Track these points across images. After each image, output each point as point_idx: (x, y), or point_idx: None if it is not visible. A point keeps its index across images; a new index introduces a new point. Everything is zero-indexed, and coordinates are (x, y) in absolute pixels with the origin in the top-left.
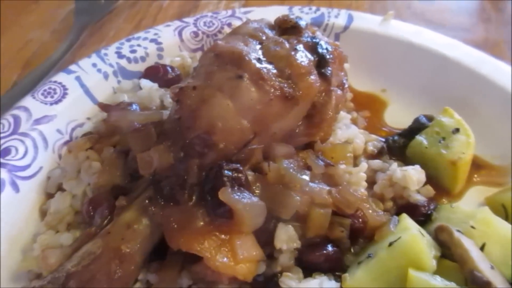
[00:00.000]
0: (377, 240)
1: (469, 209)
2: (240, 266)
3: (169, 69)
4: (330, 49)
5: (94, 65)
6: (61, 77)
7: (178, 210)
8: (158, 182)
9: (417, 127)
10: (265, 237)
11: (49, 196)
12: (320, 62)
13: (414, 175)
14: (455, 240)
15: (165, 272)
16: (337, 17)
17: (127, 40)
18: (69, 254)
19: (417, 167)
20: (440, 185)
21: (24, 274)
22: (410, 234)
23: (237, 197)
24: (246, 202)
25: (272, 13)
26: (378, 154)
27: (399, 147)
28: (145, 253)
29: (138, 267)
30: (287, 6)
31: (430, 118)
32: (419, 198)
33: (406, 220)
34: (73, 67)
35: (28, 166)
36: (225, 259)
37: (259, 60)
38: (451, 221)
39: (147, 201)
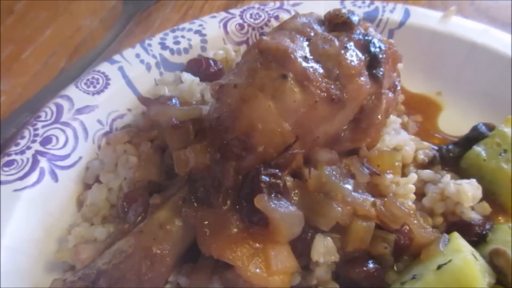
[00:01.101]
0: (423, 260)
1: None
2: (274, 278)
3: (212, 63)
4: (383, 47)
5: (137, 55)
6: (104, 67)
7: (211, 214)
8: (193, 182)
9: (475, 137)
10: (301, 248)
11: (87, 186)
12: (372, 62)
13: (470, 190)
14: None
15: (196, 275)
16: (392, 12)
17: (171, 31)
18: (101, 250)
19: (473, 181)
20: (498, 202)
21: (59, 264)
22: (463, 257)
23: (274, 205)
24: (283, 212)
25: (323, 6)
26: (430, 164)
27: (454, 157)
28: (177, 255)
29: (169, 269)
30: (339, 0)
31: (490, 127)
32: (474, 216)
33: (458, 240)
34: (116, 57)
35: (67, 155)
36: (258, 269)
37: (305, 58)
38: (508, 244)
39: (181, 202)
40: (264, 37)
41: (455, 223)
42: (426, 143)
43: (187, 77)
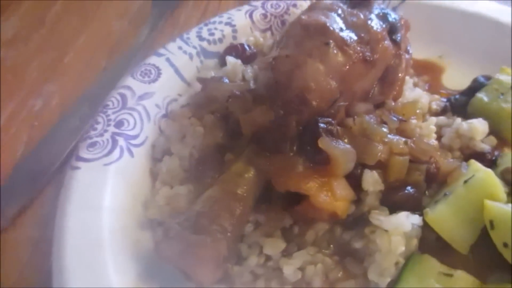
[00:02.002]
0: (449, 183)
1: None
2: (338, 203)
3: (247, 47)
4: (397, 18)
5: (179, 47)
6: (153, 59)
7: (282, 159)
8: (260, 137)
9: (476, 86)
10: (353, 182)
11: (157, 161)
12: (391, 29)
13: (479, 126)
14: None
15: (271, 213)
16: None
17: (204, 25)
18: (192, 199)
19: (481, 119)
20: (501, 137)
21: (148, 222)
22: (483, 171)
23: (334, 144)
24: (341, 148)
25: None
26: (442, 112)
27: (461, 105)
28: (255, 196)
29: (250, 207)
30: None
31: (488, 78)
32: (485, 147)
33: (476, 163)
34: (162, 50)
35: (137, 135)
36: (326, 197)
37: (341, 29)
38: None
39: (252, 154)
40: (303, 16)
41: (470, 155)
42: (436, 96)
43: (230, 60)
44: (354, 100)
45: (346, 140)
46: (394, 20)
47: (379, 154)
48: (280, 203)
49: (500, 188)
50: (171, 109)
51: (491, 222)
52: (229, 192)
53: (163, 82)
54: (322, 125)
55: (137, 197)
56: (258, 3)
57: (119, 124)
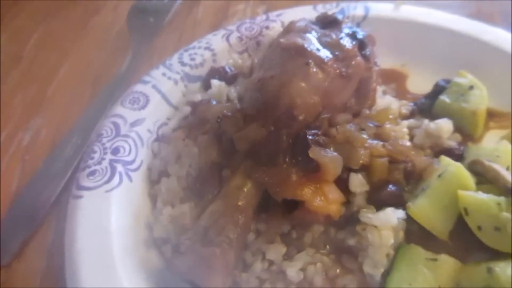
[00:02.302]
0: (425, 178)
1: (490, 146)
2: (332, 206)
3: (228, 69)
4: (364, 34)
5: (163, 74)
6: (140, 87)
7: (277, 170)
8: (255, 153)
9: (439, 90)
10: (342, 185)
11: (154, 183)
12: (361, 46)
13: (445, 125)
14: (487, 166)
15: (271, 221)
16: (356, 9)
17: (185, 51)
18: (196, 216)
19: (445, 119)
20: (464, 132)
21: (152, 241)
22: (454, 165)
23: (323, 152)
24: (330, 156)
25: (300, 12)
26: (411, 115)
27: (427, 107)
28: (254, 207)
29: (251, 217)
30: (311, 6)
31: (448, 81)
32: (452, 143)
33: (446, 159)
34: (147, 78)
35: (133, 160)
36: (320, 201)
37: (317, 49)
38: (479, 156)
39: (249, 168)
40: (282, 39)
41: (440, 151)
42: (404, 101)
43: (215, 82)
44: (335, 112)
45: (332, 148)
46: (362, 37)
47: (362, 158)
48: (278, 210)
49: (469, 178)
50: (164, 132)
51: (465, 209)
52: (231, 205)
53: (152, 108)
54: (310, 136)
55: (140, 218)
56: (233, 27)
57: (115, 151)
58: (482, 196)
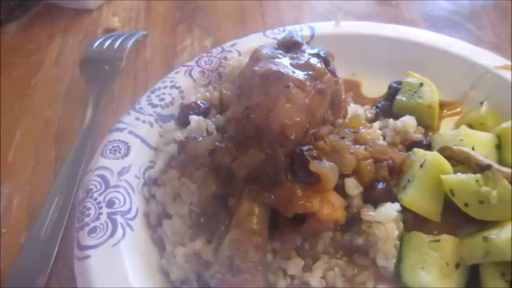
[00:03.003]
0: (406, 171)
1: (451, 132)
2: (338, 212)
3: (200, 103)
4: (325, 52)
5: (137, 118)
6: (117, 135)
7: (282, 189)
8: (256, 177)
9: (393, 91)
10: (339, 191)
11: (154, 227)
12: (326, 62)
13: (409, 121)
14: (456, 150)
15: (285, 238)
16: (302, 31)
17: (151, 92)
18: (216, 247)
19: (408, 116)
20: (424, 125)
21: (169, 285)
22: (431, 154)
23: (322, 164)
24: (328, 166)
25: (252, 40)
26: (376, 118)
27: (387, 108)
28: (267, 228)
29: (267, 237)
30: (261, 32)
31: (399, 83)
32: (418, 136)
33: (419, 150)
34: (120, 125)
35: (130, 209)
36: (328, 210)
37: (292, 71)
38: (444, 143)
39: (253, 193)
40: (256, 68)
41: (410, 145)
42: (366, 106)
43: (194, 118)
44: (318, 126)
45: (324, 159)
46: (324, 55)
47: (352, 163)
48: (288, 227)
49: (447, 164)
50: (151, 175)
51: (451, 191)
52: (247, 231)
53: (134, 154)
54: (306, 152)
55: (151, 265)
56: (192, 63)
57: (110, 203)
58: (462, 176)
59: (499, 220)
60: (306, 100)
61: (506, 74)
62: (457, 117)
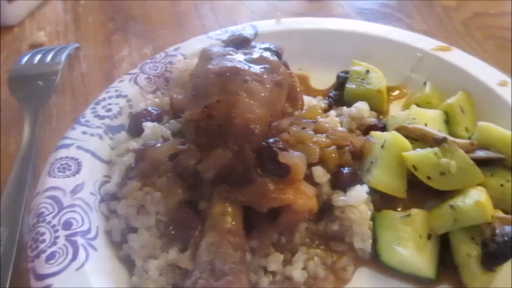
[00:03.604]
0: (367, 153)
1: (402, 112)
2: (311, 201)
3: (152, 110)
4: (276, 46)
5: (84, 132)
6: (64, 152)
7: (254, 186)
8: (226, 176)
9: (342, 81)
10: (309, 181)
11: (119, 244)
12: (277, 56)
13: (363, 106)
14: (411, 128)
15: (262, 235)
16: (245, 30)
17: (96, 104)
18: (193, 254)
19: (360, 102)
20: (375, 109)
21: None
22: (390, 134)
23: (291, 155)
24: (297, 156)
25: (197, 43)
26: (329, 107)
27: (339, 97)
28: (242, 226)
29: (244, 236)
30: (204, 35)
31: (346, 72)
32: (373, 120)
33: (377, 133)
34: (66, 141)
35: (89, 228)
36: (302, 200)
37: (248, 66)
38: (398, 124)
39: (224, 193)
40: (210, 66)
41: (366, 129)
42: (319, 97)
43: (148, 125)
44: (279, 118)
45: (290, 150)
46: (275, 49)
47: (317, 152)
48: (264, 223)
49: (406, 141)
50: (108, 190)
51: (414, 166)
52: (223, 232)
53: (86, 170)
54: (273, 145)
55: (121, 283)
56: (136, 70)
57: (67, 225)
58: (422, 151)
59: (461, 188)
60: (266, 93)
61: (443, 55)
62: (403, 100)
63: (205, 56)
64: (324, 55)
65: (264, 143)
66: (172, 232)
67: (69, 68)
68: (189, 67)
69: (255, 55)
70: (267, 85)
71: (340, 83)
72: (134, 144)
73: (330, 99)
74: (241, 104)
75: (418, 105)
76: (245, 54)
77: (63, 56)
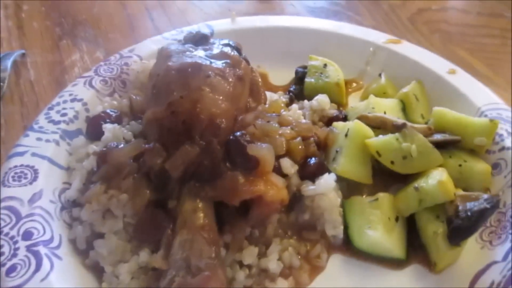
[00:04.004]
0: (331, 144)
1: (361, 103)
2: (282, 191)
3: (110, 112)
4: (235, 42)
5: (39, 139)
6: (18, 160)
7: (224, 180)
8: (193, 173)
9: (300, 76)
10: (277, 173)
11: (85, 252)
12: (238, 51)
13: (323, 99)
14: (372, 117)
15: (234, 229)
16: (200, 29)
17: (49, 109)
18: (166, 253)
19: (320, 95)
20: (335, 101)
21: None
22: (353, 123)
23: (259, 147)
24: (265, 147)
25: (151, 44)
26: (291, 101)
27: (299, 91)
28: (214, 221)
29: (216, 231)
30: (159, 36)
31: (304, 67)
32: (333, 111)
33: (339, 123)
34: (19, 148)
35: (52, 237)
36: (273, 190)
37: (210, 62)
38: (359, 114)
39: (194, 189)
40: (170, 63)
41: (328, 121)
42: (280, 92)
43: (108, 127)
44: (243, 113)
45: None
46: (235, 44)
47: (284, 144)
48: (235, 218)
49: (369, 129)
50: (69, 197)
51: (378, 152)
52: (195, 228)
53: (44, 177)
54: (240, 138)
55: None
56: (91, 73)
57: (27, 235)
58: (384, 137)
59: (422, 171)
60: (229, 88)
61: (394, 47)
62: (360, 92)
63: (164, 54)
64: (281, 52)
65: (231, 137)
66: (142, 234)
67: (16, 76)
68: (146, 68)
69: (215, 51)
70: (230, 80)
71: (299, 78)
72: (95, 147)
73: (291, 94)
74: (205, 99)
75: (375, 96)
76: (205, 50)
77: (9, 63)
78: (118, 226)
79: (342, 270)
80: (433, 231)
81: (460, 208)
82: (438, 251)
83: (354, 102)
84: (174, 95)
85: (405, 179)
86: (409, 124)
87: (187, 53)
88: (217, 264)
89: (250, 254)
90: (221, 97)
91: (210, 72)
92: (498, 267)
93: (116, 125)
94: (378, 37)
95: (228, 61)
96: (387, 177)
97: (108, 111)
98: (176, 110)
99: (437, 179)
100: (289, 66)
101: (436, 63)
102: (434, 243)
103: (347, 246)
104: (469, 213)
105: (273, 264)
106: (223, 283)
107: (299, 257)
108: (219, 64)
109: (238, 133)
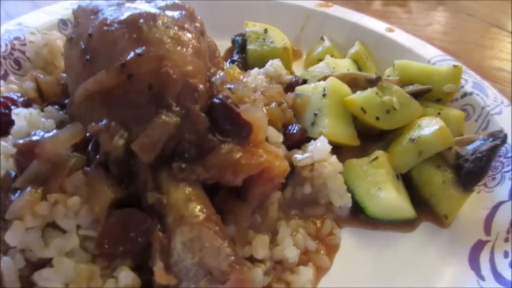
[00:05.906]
0: (303, 109)
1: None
2: (284, 161)
3: (14, 96)
4: None
5: None
6: None
7: (217, 155)
8: (172, 152)
9: (240, 44)
10: None
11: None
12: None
13: (278, 63)
14: (341, 75)
15: (239, 216)
16: None
17: None
18: (167, 263)
19: (271, 61)
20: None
21: None
22: (329, 80)
23: (251, 110)
24: (257, 111)
25: (51, 11)
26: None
27: (243, 60)
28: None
29: (218, 217)
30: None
31: (242, 35)
32: (290, 77)
33: (304, 87)
34: None
35: None
36: (278, 161)
37: (163, 11)
38: (317, 76)
39: (178, 175)
40: (107, 18)
41: (288, 87)
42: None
43: (20, 113)
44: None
45: None
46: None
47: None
48: (236, 203)
49: (345, 85)
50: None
51: (362, 109)
52: (198, 222)
53: None
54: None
55: None
56: None
57: None
58: (365, 93)
59: (405, 124)
60: (194, 42)
61: (329, 11)
62: (301, 60)
63: (89, 11)
64: (210, 25)
65: (216, 100)
66: (113, 246)
67: None
68: (50, 40)
69: (161, 2)
70: (193, 34)
71: (240, 46)
72: (4, 144)
73: (236, 63)
74: (172, 54)
75: (321, 60)
76: (148, 2)
77: None
78: (71, 243)
79: (355, 244)
80: (442, 181)
81: (463, 152)
82: (450, 200)
83: (298, 69)
84: (126, 55)
85: (381, 140)
86: (383, 77)
87: (126, 5)
88: (240, 260)
89: (261, 245)
90: (190, 52)
91: (169, 23)
92: (507, 206)
93: (31, 109)
94: (308, 2)
95: (183, 12)
96: (362, 140)
97: (10, 95)
98: (136, 72)
99: (436, 126)
100: (222, 37)
101: (372, 24)
102: (444, 194)
103: (353, 217)
104: (478, 154)
105: (290, 252)
106: (253, 281)
107: (311, 238)
108: (175, 14)
109: (221, 96)
